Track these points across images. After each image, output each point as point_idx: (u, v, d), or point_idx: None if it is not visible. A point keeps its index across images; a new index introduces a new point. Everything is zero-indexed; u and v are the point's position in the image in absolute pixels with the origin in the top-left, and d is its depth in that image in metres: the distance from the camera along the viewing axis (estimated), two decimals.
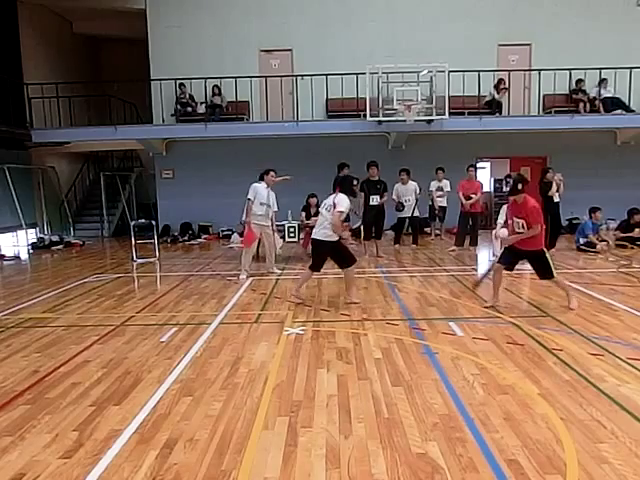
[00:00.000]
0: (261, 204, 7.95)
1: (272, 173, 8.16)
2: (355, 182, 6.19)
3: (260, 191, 7.99)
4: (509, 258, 5.87)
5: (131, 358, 4.39)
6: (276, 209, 8.29)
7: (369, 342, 4.67)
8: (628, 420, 3.09)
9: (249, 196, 7.94)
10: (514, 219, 5.71)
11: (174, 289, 7.31)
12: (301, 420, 3.18)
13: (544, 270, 5.75)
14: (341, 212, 5.81)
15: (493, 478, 2.54)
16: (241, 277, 7.91)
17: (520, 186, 5.53)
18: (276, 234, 8.73)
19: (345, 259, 6.17)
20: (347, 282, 6.32)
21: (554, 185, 9.81)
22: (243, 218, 8.26)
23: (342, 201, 5.86)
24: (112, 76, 15.18)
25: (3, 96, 12.31)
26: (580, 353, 4.26)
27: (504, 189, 6.13)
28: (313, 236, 6.13)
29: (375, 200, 9.58)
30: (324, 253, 6.12)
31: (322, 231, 5.98)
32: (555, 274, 5.73)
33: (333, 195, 6.02)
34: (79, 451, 2.88)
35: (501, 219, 9.16)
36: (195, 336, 4.98)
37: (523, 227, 5.61)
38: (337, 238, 5.99)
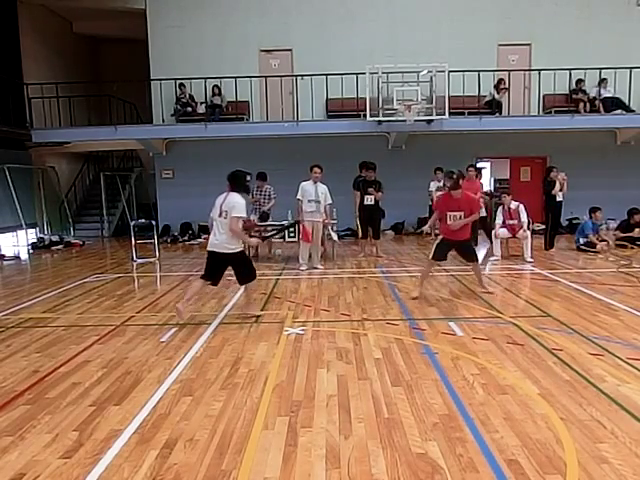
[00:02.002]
0: (309, 201, 8.34)
1: (315, 169, 8.43)
2: (249, 177, 5.54)
3: (307, 189, 8.41)
4: (443, 251, 6.45)
5: (131, 358, 4.39)
6: (329, 201, 8.58)
7: (369, 342, 4.67)
8: (628, 420, 3.09)
9: (298, 196, 8.42)
10: (449, 213, 6.25)
11: (174, 289, 7.31)
12: (301, 420, 3.18)
13: (472, 255, 6.57)
14: (238, 217, 5.15)
15: (493, 478, 2.54)
16: (302, 268, 8.46)
17: (461, 182, 6.25)
18: (329, 229, 8.81)
19: (248, 274, 5.49)
20: (247, 297, 5.71)
21: (557, 184, 9.83)
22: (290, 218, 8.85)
23: (238, 205, 5.17)
24: (112, 76, 15.16)
25: (3, 96, 12.32)
26: (580, 353, 4.26)
27: (446, 184, 6.62)
28: (210, 248, 5.37)
29: (370, 200, 9.57)
30: (223, 265, 5.39)
31: (220, 243, 5.25)
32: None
33: (223, 195, 5.35)
34: (79, 451, 2.88)
35: (499, 219, 9.20)
36: (195, 336, 4.98)
37: (460, 218, 6.22)
38: (241, 248, 5.37)
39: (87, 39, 16.88)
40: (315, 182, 8.40)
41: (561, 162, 11.18)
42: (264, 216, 9.56)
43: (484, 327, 5.07)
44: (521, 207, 9.09)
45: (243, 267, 5.47)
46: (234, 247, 5.29)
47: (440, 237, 6.46)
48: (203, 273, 5.51)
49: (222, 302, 6.37)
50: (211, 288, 6.78)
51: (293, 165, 13.51)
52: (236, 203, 5.19)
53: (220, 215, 5.27)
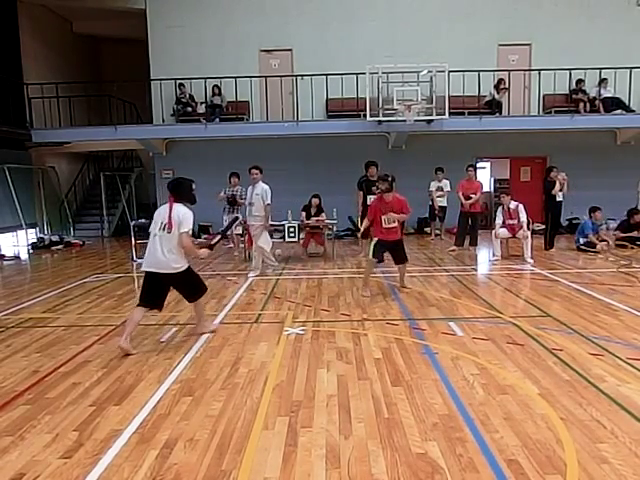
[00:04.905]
0: (249, 204, 8.16)
1: (252, 170, 8.05)
2: (194, 185, 4.78)
3: (247, 192, 8.31)
4: (382, 252, 6.53)
5: (131, 358, 4.39)
6: (268, 202, 7.81)
7: (369, 342, 4.67)
8: (628, 420, 3.09)
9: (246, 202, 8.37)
10: (383, 216, 6.35)
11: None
12: (301, 420, 3.18)
13: (404, 255, 6.69)
14: (188, 232, 4.53)
15: (493, 478, 2.54)
16: (250, 275, 8.11)
17: (394, 185, 6.36)
18: (265, 232, 8.02)
19: (195, 288, 4.87)
20: (198, 314, 5.04)
21: (557, 184, 9.83)
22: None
23: (186, 218, 4.52)
24: (112, 76, 15.18)
25: (3, 96, 12.32)
26: (580, 353, 4.26)
27: (379, 187, 6.54)
28: (149, 269, 4.60)
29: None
30: (165, 287, 4.72)
31: (162, 262, 4.51)
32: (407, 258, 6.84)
33: (166, 207, 4.61)
34: (79, 451, 2.88)
35: (499, 219, 9.21)
36: (195, 336, 4.98)
37: (394, 221, 6.37)
38: (187, 265, 4.69)
39: (87, 39, 16.88)
40: (254, 184, 8.00)
41: (561, 162, 11.18)
42: (232, 201, 9.76)
43: (484, 327, 5.07)
44: (520, 207, 9.09)
45: (190, 284, 4.83)
46: (180, 265, 4.60)
47: (375, 239, 6.51)
48: (140, 300, 4.70)
49: (222, 302, 6.37)
50: (211, 288, 6.76)
51: (293, 165, 13.55)
52: (185, 215, 4.55)
53: (164, 229, 4.55)
